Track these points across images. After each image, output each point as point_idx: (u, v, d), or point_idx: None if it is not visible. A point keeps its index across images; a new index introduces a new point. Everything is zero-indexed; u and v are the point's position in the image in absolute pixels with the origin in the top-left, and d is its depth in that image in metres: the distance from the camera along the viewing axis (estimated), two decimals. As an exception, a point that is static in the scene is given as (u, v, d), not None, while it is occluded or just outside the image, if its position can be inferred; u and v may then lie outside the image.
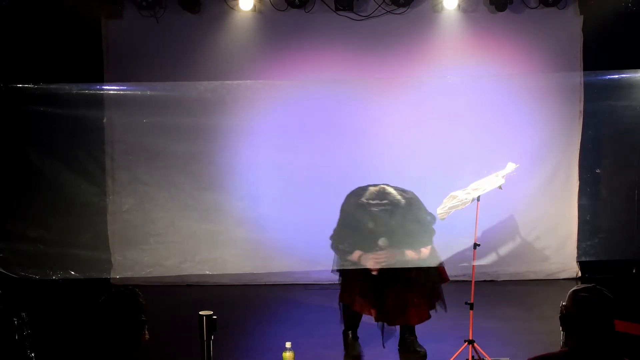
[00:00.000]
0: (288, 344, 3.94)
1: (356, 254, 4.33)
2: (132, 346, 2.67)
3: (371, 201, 4.28)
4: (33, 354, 3.33)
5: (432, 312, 4.45)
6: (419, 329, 4.63)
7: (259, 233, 5.05)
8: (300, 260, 4.78)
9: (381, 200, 4.27)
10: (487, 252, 6.19)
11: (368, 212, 4.27)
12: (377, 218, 4.26)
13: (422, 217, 4.38)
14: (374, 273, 4.26)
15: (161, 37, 6.57)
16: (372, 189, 4.35)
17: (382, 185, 4.35)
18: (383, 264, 4.23)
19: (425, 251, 4.36)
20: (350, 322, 4.58)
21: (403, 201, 4.32)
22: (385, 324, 4.45)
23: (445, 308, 4.48)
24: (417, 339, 4.56)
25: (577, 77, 6.38)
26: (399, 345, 4.61)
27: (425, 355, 4.50)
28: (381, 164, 5.83)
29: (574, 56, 6.53)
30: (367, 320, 4.62)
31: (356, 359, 4.53)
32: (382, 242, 4.25)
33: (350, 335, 4.58)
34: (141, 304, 2.72)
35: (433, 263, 4.32)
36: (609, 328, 2.46)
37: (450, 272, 6.43)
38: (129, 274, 5.20)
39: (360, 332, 4.64)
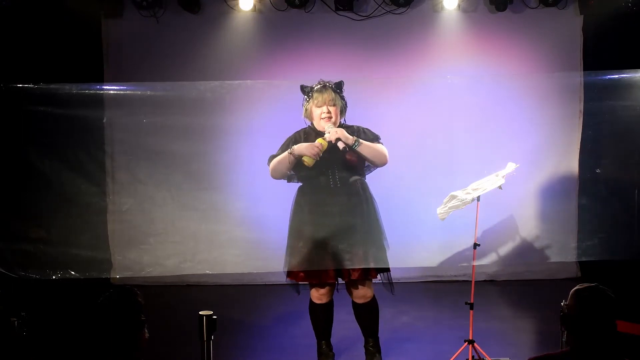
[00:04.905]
0: None
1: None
2: (131, 346, 2.67)
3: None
4: (33, 354, 3.33)
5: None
6: (419, 327, 4.61)
7: (259, 233, 5.02)
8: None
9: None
10: (487, 252, 6.17)
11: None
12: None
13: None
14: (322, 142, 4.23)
15: (161, 37, 6.58)
16: None
17: None
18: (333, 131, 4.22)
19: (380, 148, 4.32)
20: (320, 331, 4.45)
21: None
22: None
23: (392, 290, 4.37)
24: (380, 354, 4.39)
25: (577, 77, 6.38)
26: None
27: None
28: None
29: (574, 56, 6.54)
30: (342, 332, 4.55)
31: None
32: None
33: (324, 346, 4.45)
34: (140, 303, 2.72)
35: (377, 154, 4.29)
36: (611, 328, 2.46)
37: (450, 272, 6.49)
38: (129, 274, 5.17)
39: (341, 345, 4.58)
